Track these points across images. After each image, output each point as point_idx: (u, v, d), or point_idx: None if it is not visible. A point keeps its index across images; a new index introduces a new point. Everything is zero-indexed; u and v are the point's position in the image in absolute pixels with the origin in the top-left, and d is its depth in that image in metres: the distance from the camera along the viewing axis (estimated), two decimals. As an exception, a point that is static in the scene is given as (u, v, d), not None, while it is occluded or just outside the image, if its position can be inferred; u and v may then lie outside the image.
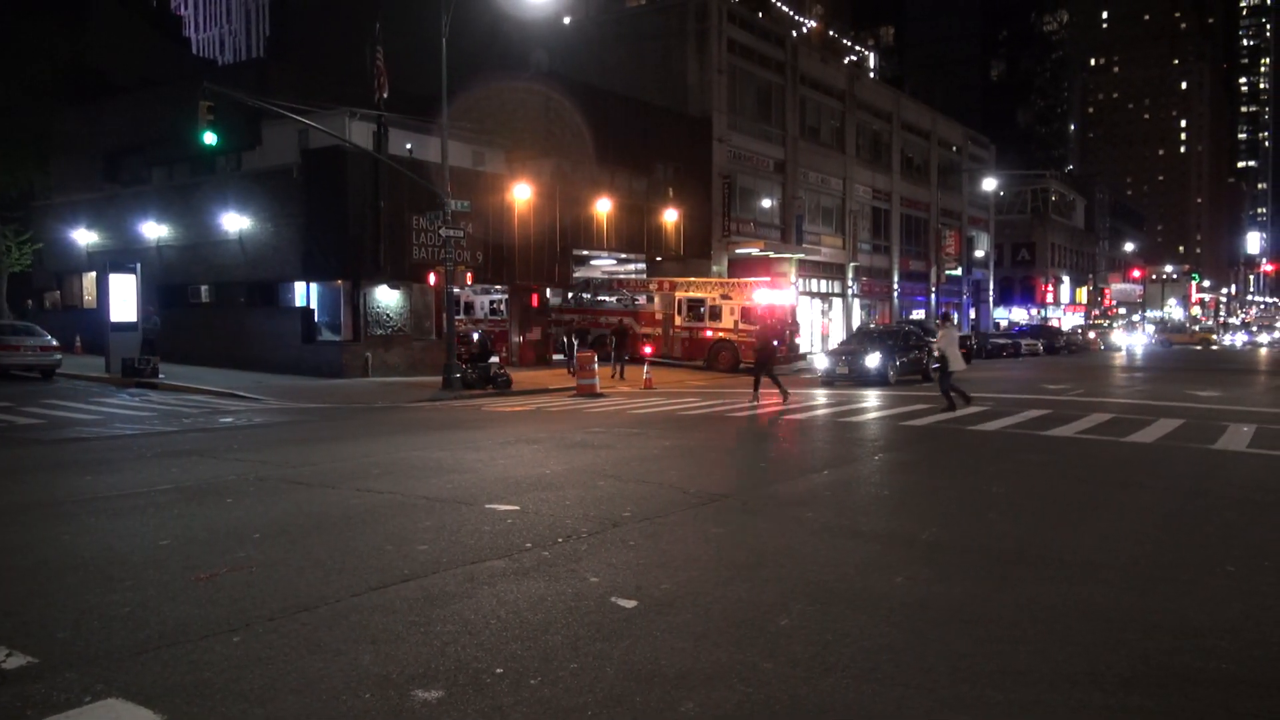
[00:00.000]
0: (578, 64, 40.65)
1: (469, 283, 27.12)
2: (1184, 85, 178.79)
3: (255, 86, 27.38)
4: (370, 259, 25.95)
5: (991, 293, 72.51)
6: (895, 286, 55.90)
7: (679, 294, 33.25)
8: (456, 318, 24.73)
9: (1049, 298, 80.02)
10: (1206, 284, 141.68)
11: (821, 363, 27.93)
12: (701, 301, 32.45)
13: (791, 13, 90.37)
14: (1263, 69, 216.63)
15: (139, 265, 26.53)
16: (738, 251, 40.75)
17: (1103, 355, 52.29)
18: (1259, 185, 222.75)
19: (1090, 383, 26.02)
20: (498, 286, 32.49)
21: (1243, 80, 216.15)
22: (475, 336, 24.94)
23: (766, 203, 44.50)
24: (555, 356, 32.80)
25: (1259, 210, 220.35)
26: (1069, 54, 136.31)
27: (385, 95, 24.39)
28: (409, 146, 27.60)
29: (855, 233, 51.31)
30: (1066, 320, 79.20)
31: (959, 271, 64.26)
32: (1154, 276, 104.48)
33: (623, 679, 4.17)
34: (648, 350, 27.23)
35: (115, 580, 5.76)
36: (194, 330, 29.78)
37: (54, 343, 24.91)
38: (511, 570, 5.98)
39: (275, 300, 30.14)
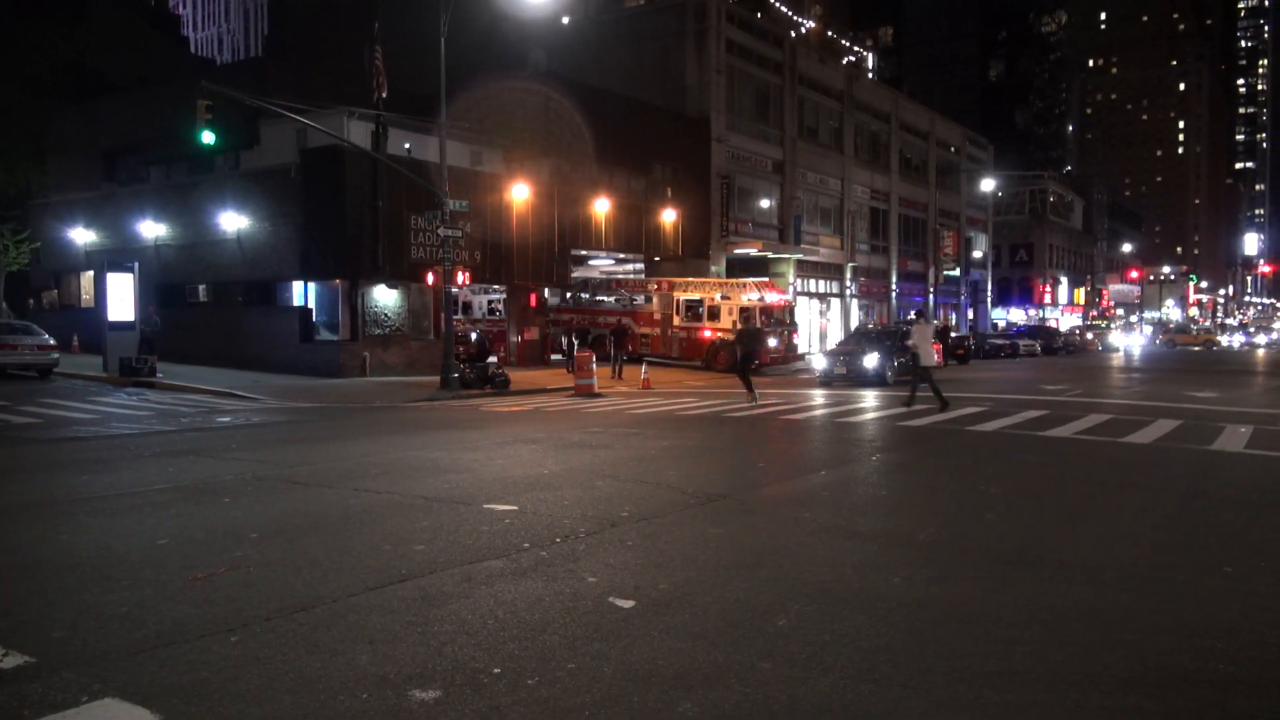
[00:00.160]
0: (576, 64, 40.67)
1: (467, 282, 27.12)
2: (1182, 86, 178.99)
3: (253, 86, 27.38)
4: (368, 258, 25.94)
5: (989, 293, 72.57)
6: (893, 287, 55.93)
7: (677, 294, 33.24)
8: (455, 317, 24.72)
9: (1047, 298, 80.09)
10: (1204, 285, 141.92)
11: (819, 363, 27.94)
12: (700, 302, 32.46)
13: (790, 13, 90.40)
14: (1261, 70, 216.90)
15: (137, 264, 26.51)
16: (736, 252, 40.77)
17: (1100, 356, 52.34)
18: (1257, 186, 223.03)
19: (1088, 383, 26.04)
20: (496, 286, 32.49)
21: (1241, 82, 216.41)
22: (473, 336, 24.94)
23: (765, 203, 44.52)
24: (554, 356, 32.81)
25: (1257, 211, 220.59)
26: (1067, 55, 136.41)
27: (384, 95, 24.39)
28: (407, 146, 27.61)
29: (853, 233, 51.34)
30: (1064, 321, 79.24)
31: (957, 272, 64.31)
32: (1152, 277, 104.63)
33: (620, 679, 4.17)
34: (645, 350, 27.17)
35: (112, 580, 5.75)
36: (192, 329, 29.77)
37: (51, 342, 24.89)
38: (509, 570, 5.98)
39: (273, 300, 30.13)
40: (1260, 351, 61.66)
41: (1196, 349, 65.57)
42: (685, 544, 6.79)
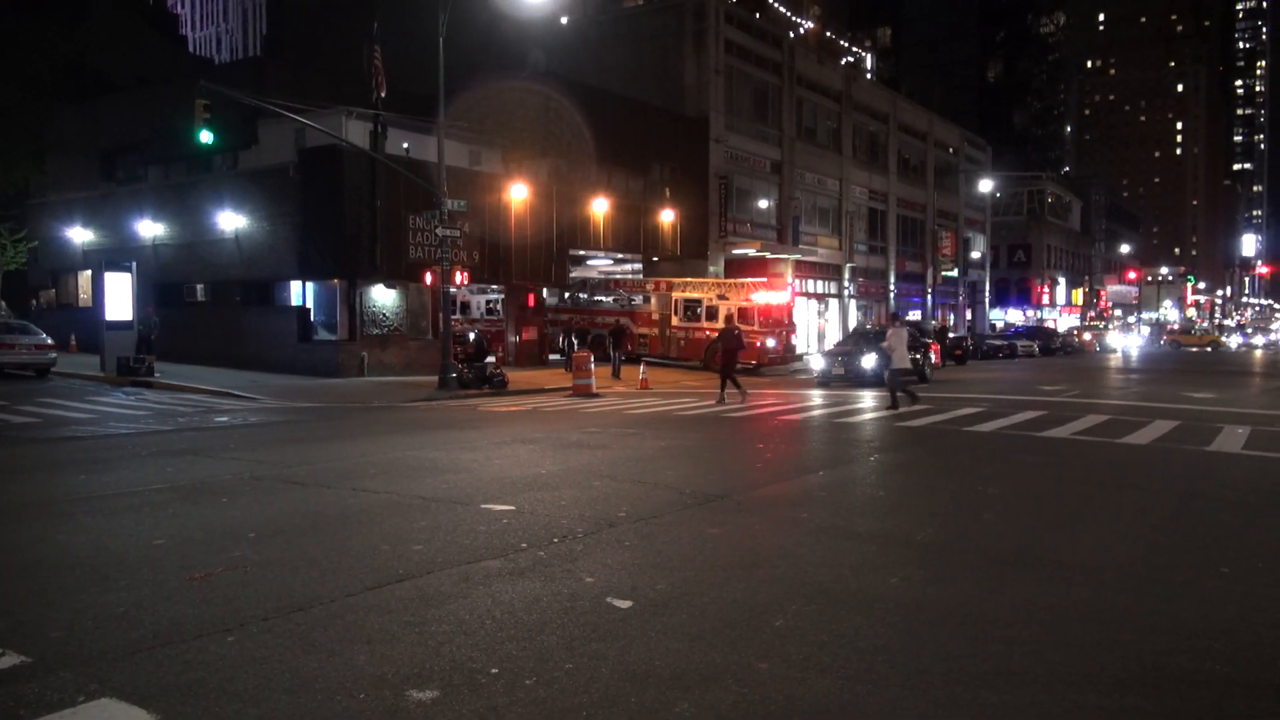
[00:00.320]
0: (575, 64, 40.66)
1: (465, 282, 27.10)
2: (1180, 88, 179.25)
3: (252, 85, 27.35)
4: (366, 258, 25.92)
5: (988, 294, 72.60)
6: (891, 287, 55.94)
7: (676, 294, 33.24)
8: (453, 317, 24.71)
9: (1045, 299, 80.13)
10: (1202, 286, 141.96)
11: (817, 363, 27.96)
12: (698, 302, 32.44)
13: (789, 13, 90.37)
14: (1259, 72, 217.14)
15: (134, 264, 26.47)
16: (734, 252, 40.77)
17: (1098, 357, 52.38)
18: (1254, 188, 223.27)
19: (1086, 384, 26.07)
20: (494, 286, 32.47)
21: (1239, 83, 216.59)
22: (471, 336, 24.91)
23: (763, 203, 44.52)
24: (552, 356, 32.80)
25: (1254, 213, 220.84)
26: (1066, 56, 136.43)
27: (383, 94, 24.36)
28: (406, 146, 27.59)
29: (851, 233, 51.34)
30: (1062, 322, 79.28)
31: (955, 273, 64.33)
32: (1150, 278, 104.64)
33: (618, 679, 4.17)
34: (644, 350, 27.14)
35: (110, 580, 5.75)
36: (190, 329, 29.73)
37: (49, 341, 24.85)
38: (507, 570, 5.98)
39: (271, 299, 30.10)
40: (1258, 353, 61.71)
41: (1198, 350, 65.55)
42: (683, 544, 6.79)
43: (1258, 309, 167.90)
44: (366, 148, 24.52)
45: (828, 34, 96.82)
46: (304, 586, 5.60)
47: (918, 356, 27.55)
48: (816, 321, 48.38)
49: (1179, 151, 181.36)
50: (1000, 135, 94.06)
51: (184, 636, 4.69)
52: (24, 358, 24.20)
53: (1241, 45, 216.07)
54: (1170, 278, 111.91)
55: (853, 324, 48.84)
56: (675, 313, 33.14)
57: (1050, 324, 72.03)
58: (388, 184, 25.46)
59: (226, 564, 6.11)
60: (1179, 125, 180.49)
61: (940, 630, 4.89)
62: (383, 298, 27.62)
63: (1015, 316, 77.29)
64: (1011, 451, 12.08)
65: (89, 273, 34.01)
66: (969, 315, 68.88)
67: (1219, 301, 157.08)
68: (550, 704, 3.90)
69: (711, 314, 31.94)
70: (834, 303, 50.35)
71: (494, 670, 4.26)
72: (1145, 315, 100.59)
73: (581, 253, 34.99)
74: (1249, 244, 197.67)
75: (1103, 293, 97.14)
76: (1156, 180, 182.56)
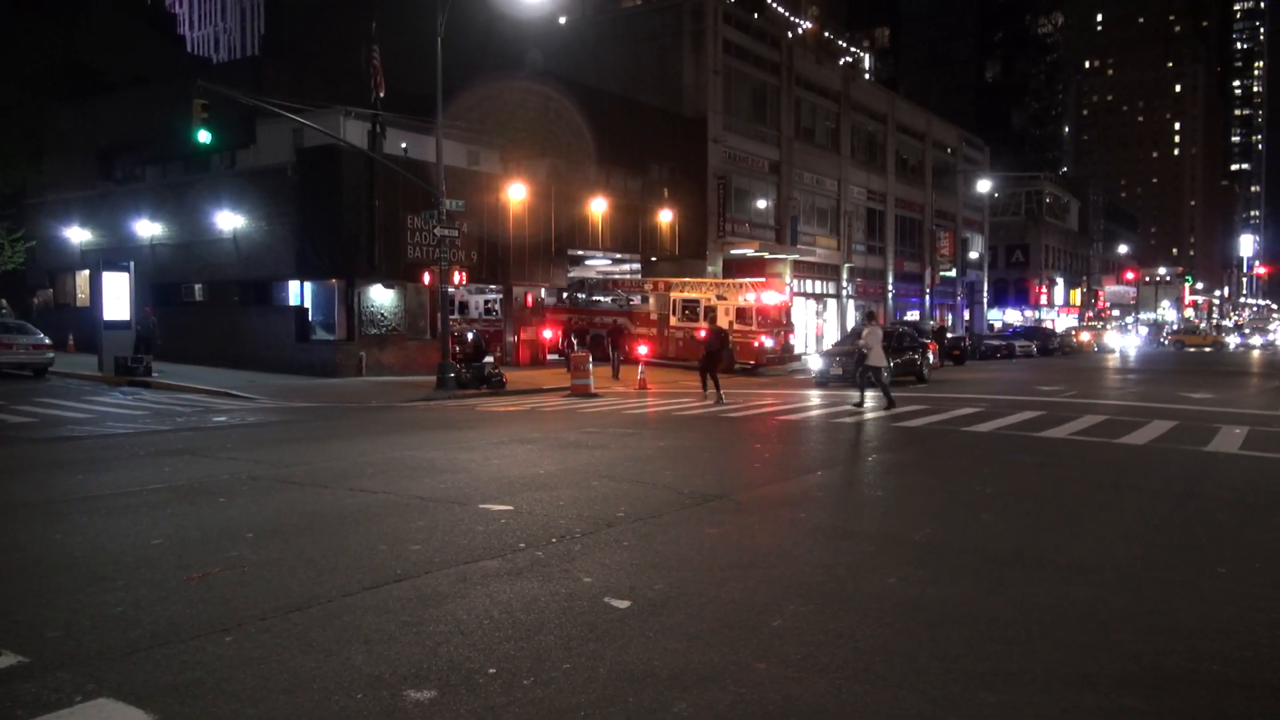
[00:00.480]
0: (573, 64, 40.65)
1: (464, 282, 27.10)
2: (1178, 88, 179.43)
3: (250, 85, 27.35)
4: (365, 258, 25.91)
5: (986, 294, 72.64)
6: (890, 288, 55.97)
7: (674, 294, 33.24)
8: (451, 317, 24.70)
9: (1043, 299, 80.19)
10: (1200, 286, 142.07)
11: (816, 363, 27.95)
12: (696, 302, 32.44)
13: (787, 14, 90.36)
14: (1256, 72, 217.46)
15: (132, 264, 26.44)
16: (733, 252, 40.77)
17: (1096, 357, 52.43)
18: (1252, 188, 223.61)
19: (1083, 384, 26.09)
20: (492, 286, 32.47)
21: (1236, 83, 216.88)
22: (470, 336, 24.89)
23: (761, 203, 44.53)
24: (550, 356, 32.79)
25: (1252, 213, 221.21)
26: (1064, 56, 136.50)
27: (381, 94, 24.36)
28: (404, 146, 27.59)
29: (850, 234, 51.36)
30: (1060, 322, 79.34)
31: (953, 273, 64.38)
32: (1148, 279, 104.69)
33: (616, 679, 4.17)
34: (642, 350, 27.14)
35: (107, 580, 5.74)
36: (188, 329, 29.71)
37: (46, 341, 24.83)
38: (505, 570, 5.98)
39: (269, 299, 30.09)
40: (1255, 353, 61.78)
41: (1199, 350, 65.50)
42: (681, 544, 6.79)
43: (1255, 309, 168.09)
44: (365, 147, 24.51)
45: (826, 34, 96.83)
46: (301, 586, 5.59)
47: (916, 357, 27.62)
48: (815, 322, 48.40)
49: (1177, 152, 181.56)
50: (998, 135, 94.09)
51: (181, 636, 4.68)
52: (21, 357, 24.17)
53: (1239, 46, 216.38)
54: (1168, 278, 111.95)
55: (851, 324, 48.84)
56: (674, 313, 33.14)
57: (1048, 324, 72.06)
58: (386, 184, 25.45)
59: (224, 564, 6.11)
60: (1177, 126, 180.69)
61: (938, 630, 4.89)
62: (381, 298, 27.61)
63: (1013, 317, 77.34)
64: (1009, 452, 12.08)
65: (86, 272, 33.97)
66: (967, 315, 68.92)
67: (1217, 302, 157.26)
68: (548, 704, 3.90)
69: (710, 314, 31.92)
70: (832, 303, 50.37)
71: (491, 670, 4.26)
72: (1143, 315, 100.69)
73: (580, 253, 34.99)
74: (1246, 244, 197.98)
75: (1101, 293, 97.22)
76: (1154, 180, 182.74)
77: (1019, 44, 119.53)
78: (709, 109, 39.72)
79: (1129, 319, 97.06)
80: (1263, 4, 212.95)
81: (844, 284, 50.81)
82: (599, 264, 39.15)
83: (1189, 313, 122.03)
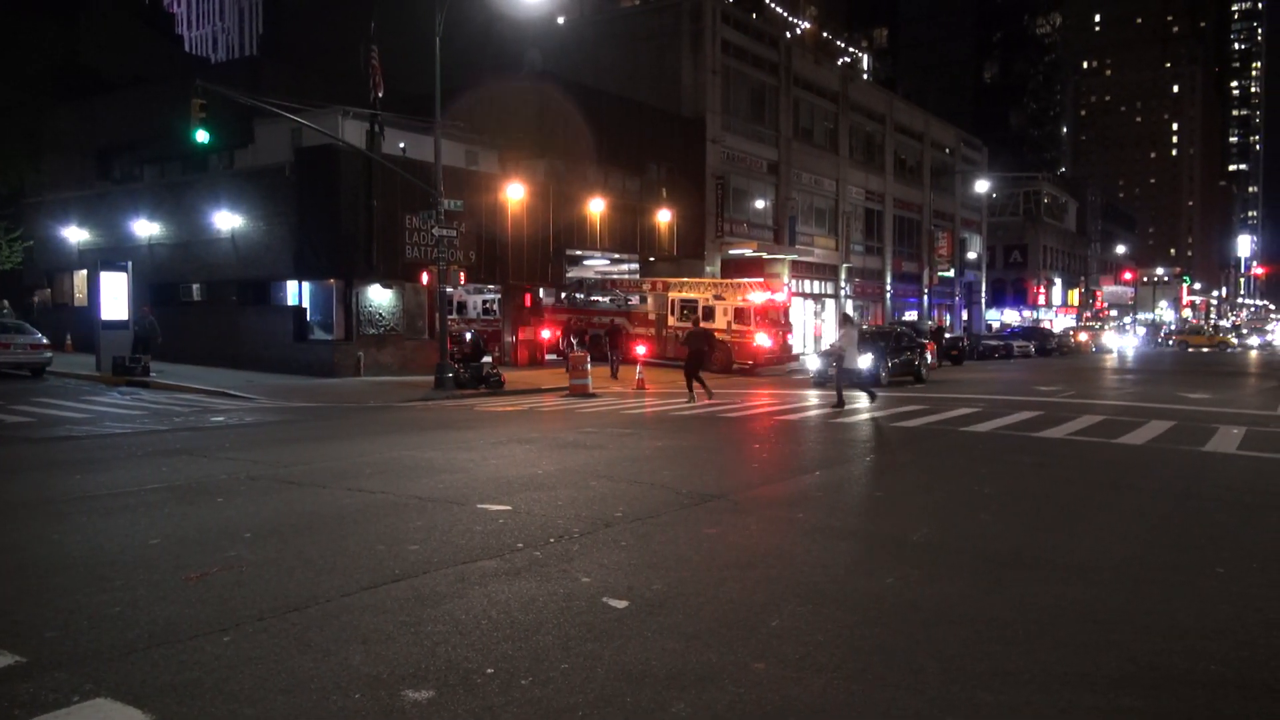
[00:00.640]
0: (572, 64, 40.64)
1: (462, 282, 27.07)
2: (1176, 88, 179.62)
3: (248, 84, 27.37)
4: (363, 258, 25.91)
5: (984, 294, 72.68)
6: (888, 288, 56.01)
7: (672, 294, 33.24)
8: (449, 317, 24.70)
9: (1041, 300, 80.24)
10: (1198, 287, 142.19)
11: (813, 364, 27.94)
12: (695, 302, 32.44)
13: (785, 14, 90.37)
14: (1254, 72, 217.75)
15: (130, 263, 26.42)
16: (731, 252, 40.78)
17: (1094, 357, 52.47)
18: (1250, 188, 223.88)
19: (1081, 385, 26.10)
20: (491, 286, 32.46)
21: (1234, 84, 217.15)
22: (468, 336, 24.89)
23: (760, 204, 44.55)
24: (549, 356, 32.78)
25: (1250, 213, 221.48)
26: (1062, 57, 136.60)
27: (380, 94, 24.36)
28: (402, 145, 27.61)
29: (848, 234, 51.39)
30: (1058, 322, 79.38)
31: (951, 273, 64.43)
32: (1145, 279, 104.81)
33: (614, 679, 4.17)
34: (640, 350, 27.14)
35: (105, 580, 5.73)
36: (186, 329, 29.67)
37: (44, 340, 24.80)
38: (503, 570, 5.98)
39: (267, 299, 30.07)
40: (1253, 354, 61.83)
41: (1207, 349, 65.43)
42: (679, 544, 6.79)
43: (1253, 310, 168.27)
44: (363, 147, 24.51)
45: (824, 34, 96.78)
46: (299, 586, 5.59)
47: (914, 357, 27.63)
48: (813, 322, 48.41)
49: (1175, 152, 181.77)
50: (996, 136, 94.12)
51: (179, 636, 4.68)
52: (19, 357, 24.15)
53: (1237, 46, 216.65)
54: (1166, 278, 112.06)
55: (849, 324, 48.77)
56: (672, 313, 33.14)
57: (1046, 324, 72.09)
58: (384, 184, 25.45)
59: (222, 564, 6.10)
60: (1175, 126, 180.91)
61: (936, 630, 4.89)
62: (379, 297, 27.60)
63: (1011, 317, 77.36)
64: (1007, 452, 12.09)
65: (84, 272, 33.92)
66: (965, 316, 68.98)
67: (1214, 302, 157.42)
68: (546, 704, 3.90)
69: (708, 314, 31.94)
70: (830, 303, 50.38)
71: (490, 670, 4.26)
72: (1141, 316, 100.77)
73: (578, 253, 34.98)
74: (1244, 244, 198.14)
75: (1099, 293, 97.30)
76: (1152, 181, 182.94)
77: (1017, 44, 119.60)
78: (707, 109, 39.73)
79: (1127, 319, 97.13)
80: (1260, 5, 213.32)
81: (842, 284, 50.83)
82: (597, 264, 39.15)
83: (1187, 313, 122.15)
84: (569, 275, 35.51)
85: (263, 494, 8.78)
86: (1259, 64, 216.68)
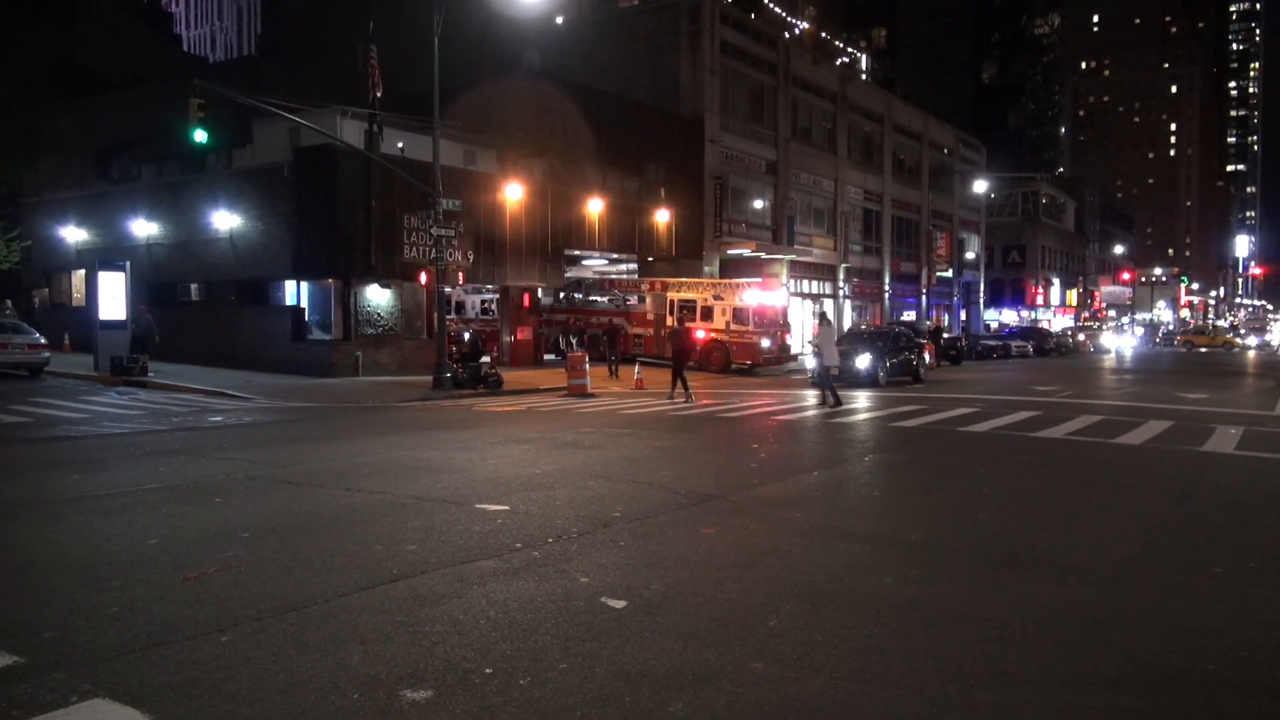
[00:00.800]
0: (570, 64, 40.62)
1: (460, 282, 27.08)
2: (1174, 89, 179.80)
3: (247, 84, 27.32)
4: (361, 258, 25.89)
5: (982, 294, 72.71)
6: (886, 288, 56.03)
7: (671, 294, 33.24)
8: (448, 317, 24.70)
9: (1039, 300, 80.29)
10: (1195, 287, 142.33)
11: (812, 364, 27.95)
12: (693, 302, 32.45)
13: (784, 14, 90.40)
14: (1252, 73, 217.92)
15: (128, 263, 26.38)
16: (729, 252, 40.78)
17: (1092, 357, 52.51)
18: (1248, 189, 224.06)
19: (1079, 385, 26.12)
20: (489, 286, 32.44)
21: (1232, 84, 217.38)
22: (466, 336, 24.91)
23: (758, 204, 44.55)
24: (547, 356, 32.78)
25: (1248, 214, 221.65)
26: (1060, 57, 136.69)
27: (379, 94, 24.34)
28: (401, 145, 27.58)
29: (847, 234, 51.40)
30: (1056, 322, 79.45)
31: (950, 273, 64.45)
32: (1143, 279, 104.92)
33: (612, 679, 4.17)
34: (639, 350, 27.15)
35: (103, 580, 5.73)
36: (184, 329, 29.63)
37: (42, 340, 24.76)
38: (501, 570, 5.98)
39: (265, 299, 30.03)
40: (1251, 354, 61.89)
41: (1210, 350, 65.42)
42: (677, 544, 6.79)
43: (1251, 310, 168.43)
44: (361, 147, 24.49)
45: (823, 34, 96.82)
46: (298, 586, 5.59)
47: (912, 357, 27.64)
48: (811, 322, 48.39)
49: (1173, 153, 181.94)
50: (995, 136, 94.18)
51: (177, 636, 4.68)
52: (17, 357, 24.11)
53: (1235, 47, 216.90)
54: (1164, 279, 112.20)
55: (848, 325, 48.87)
56: (670, 313, 33.11)
57: (1044, 325, 72.17)
58: (383, 183, 25.43)
59: (220, 564, 6.10)
60: (1173, 126, 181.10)
61: (934, 630, 4.90)
62: (377, 297, 27.59)
63: (1010, 317, 77.42)
64: (1005, 452, 12.10)
65: (82, 272, 33.87)
66: (963, 316, 69.01)
67: (1213, 303, 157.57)
68: (544, 704, 3.90)
69: (707, 314, 31.95)
70: (829, 303, 50.38)
71: (488, 670, 4.26)
72: (1139, 316, 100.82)
73: (577, 253, 34.98)
74: (1242, 245, 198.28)
75: (1097, 293, 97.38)
76: (1150, 181, 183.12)
77: (1016, 45, 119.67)
78: (706, 109, 39.73)
79: (1125, 319, 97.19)
80: (1259, 5, 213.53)
81: (840, 284, 50.84)
82: (596, 264, 39.14)
83: (1185, 313, 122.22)
84: (567, 275, 35.50)
85: (261, 494, 8.77)
86: (1257, 64, 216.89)
